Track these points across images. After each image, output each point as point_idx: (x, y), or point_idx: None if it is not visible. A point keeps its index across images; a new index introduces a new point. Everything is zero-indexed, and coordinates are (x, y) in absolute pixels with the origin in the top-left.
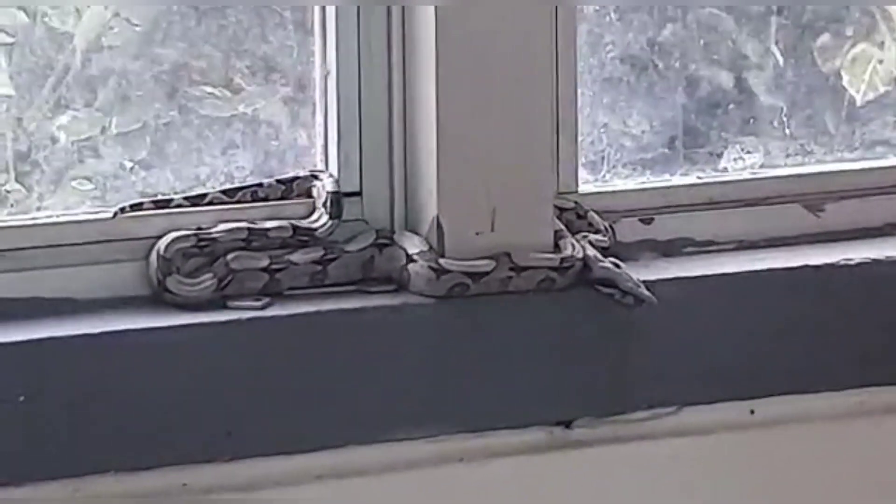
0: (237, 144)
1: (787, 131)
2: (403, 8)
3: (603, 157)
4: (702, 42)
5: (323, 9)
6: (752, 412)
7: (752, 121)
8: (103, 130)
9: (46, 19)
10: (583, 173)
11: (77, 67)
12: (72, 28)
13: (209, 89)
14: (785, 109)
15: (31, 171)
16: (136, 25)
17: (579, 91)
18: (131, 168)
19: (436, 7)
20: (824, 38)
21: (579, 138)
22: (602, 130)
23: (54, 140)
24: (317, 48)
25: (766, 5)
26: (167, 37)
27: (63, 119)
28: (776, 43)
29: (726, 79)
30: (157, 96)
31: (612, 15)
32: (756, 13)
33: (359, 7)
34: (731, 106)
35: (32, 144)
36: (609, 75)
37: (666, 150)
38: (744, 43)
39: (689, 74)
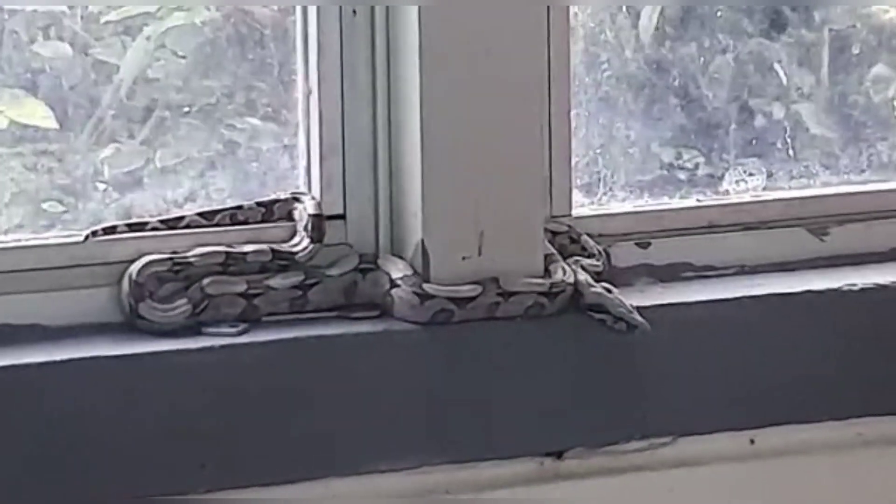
0: (215, 166)
1: (791, 153)
2: (388, 25)
3: (599, 180)
4: (752, 74)
5: (304, 27)
6: (752, 442)
7: (753, 141)
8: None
9: (91, 51)
10: (578, 196)
11: (121, 100)
12: (117, 60)
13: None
14: (835, 139)
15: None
16: (182, 57)
17: (574, 112)
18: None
19: (420, 25)
20: (878, 69)
21: (574, 160)
22: (598, 152)
23: (98, 172)
24: (298, 67)
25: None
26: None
27: (107, 152)
28: (828, 73)
29: (777, 110)
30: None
31: (608, 33)
32: (807, 43)
33: (341, 25)
34: (733, 127)
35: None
36: (605, 95)
37: (666, 172)
38: (795, 73)
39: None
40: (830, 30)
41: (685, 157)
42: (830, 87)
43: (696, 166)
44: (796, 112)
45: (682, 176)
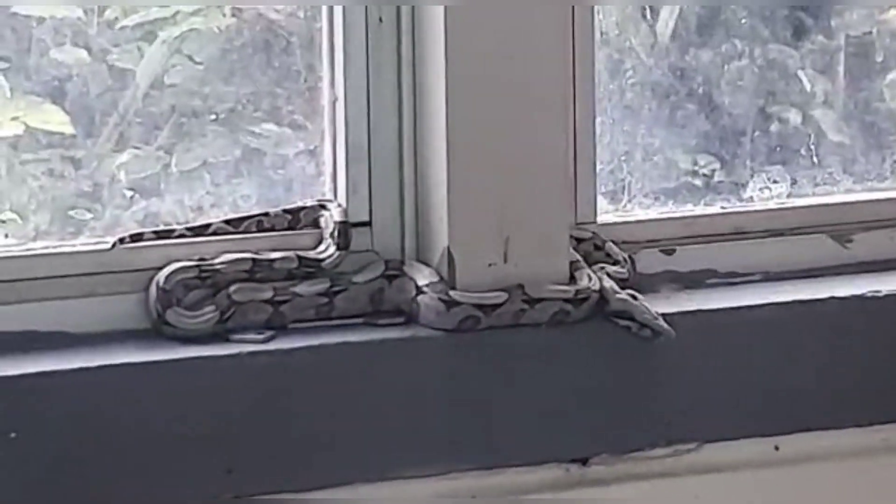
0: (241, 173)
1: (815, 160)
2: (413, 32)
3: (623, 187)
4: (776, 80)
5: (331, 34)
6: (777, 448)
7: (777, 148)
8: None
9: (108, 57)
10: (603, 203)
11: (138, 105)
12: (134, 65)
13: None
14: (858, 146)
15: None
16: (199, 63)
17: (599, 119)
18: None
19: (446, 31)
20: (894, 75)
21: (599, 167)
22: (623, 159)
23: (114, 178)
24: (325, 74)
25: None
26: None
27: (123, 157)
28: (845, 79)
29: (794, 116)
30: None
31: (633, 40)
32: (823, 49)
33: (367, 31)
34: (757, 134)
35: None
36: (630, 102)
37: (690, 180)
38: (816, 80)
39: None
40: (848, 36)
41: (709, 164)
42: (850, 94)
43: (720, 173)
44: (819, 119)
45: (707, 183)
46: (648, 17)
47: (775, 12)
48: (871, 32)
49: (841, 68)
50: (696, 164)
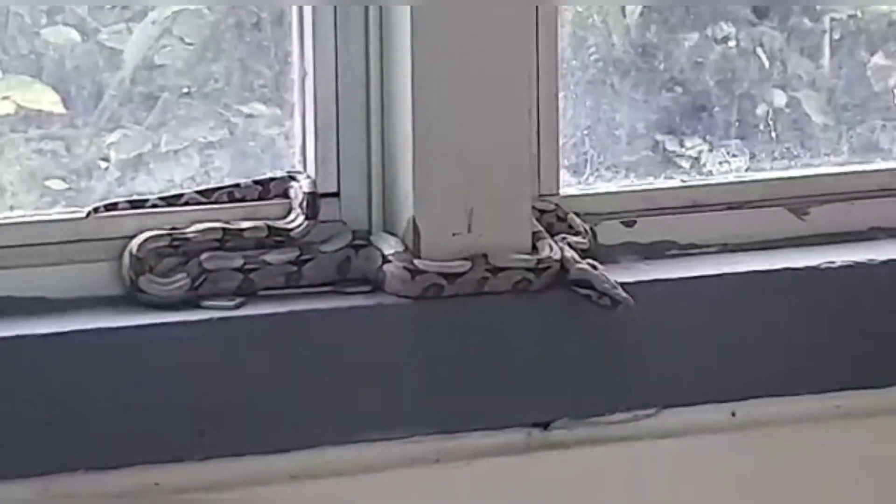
0: (214, 146)
1: (773, 135)
2: (381, 9)
3: (586, 160)
4: (755, 63)
5: (300, 10)
6: (734, 414)
7: (737, 124)
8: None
9: (99, 37)
10: (566, 176)
11: (127, 85)
12: (123, 45)
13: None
14: (836, 127)
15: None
16: (189, 44)
17: (562, 93)
18: None
19: (412, 8)
20: (878, 58)
21: (562, 140)
22: (585, 133)
23: (104, 157)
24: (294, 49)
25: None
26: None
27: (113, 136)
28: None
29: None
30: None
31: (596, 17)
32: (809, 32)
33: (335, 8)
34: (717, 110)
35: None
36: (592, 78)
37: (651, 153)
38: (797, 62)
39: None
40: (832, 20)
41: (670, 138)
42: (811, 72)
43: (681, 147)
44: (778, 95)
45: (667, 157)
46: None
47: None
48: (855, 15)
49: (827, 51)
50: (657, 139)
